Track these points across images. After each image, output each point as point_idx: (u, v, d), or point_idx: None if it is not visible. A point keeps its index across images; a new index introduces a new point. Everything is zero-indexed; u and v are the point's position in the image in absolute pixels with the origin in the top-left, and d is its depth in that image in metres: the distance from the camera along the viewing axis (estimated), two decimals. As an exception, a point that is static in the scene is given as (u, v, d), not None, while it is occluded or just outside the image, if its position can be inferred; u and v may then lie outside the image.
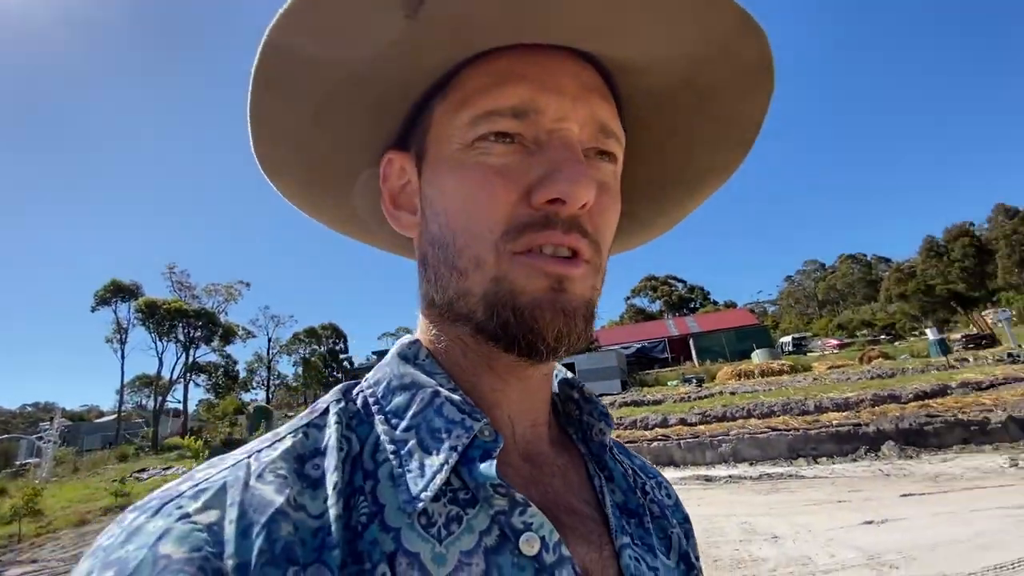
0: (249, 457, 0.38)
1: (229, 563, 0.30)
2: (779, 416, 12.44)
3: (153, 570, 0.29)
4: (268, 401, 52.04)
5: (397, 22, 0.38)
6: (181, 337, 38.23)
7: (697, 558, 0.54)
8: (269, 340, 56.85)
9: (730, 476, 9.80)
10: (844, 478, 8.66)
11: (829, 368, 20.01)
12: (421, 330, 0.49)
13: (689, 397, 17.16)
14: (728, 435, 11.63)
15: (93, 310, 37.44)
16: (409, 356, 0.46)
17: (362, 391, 0.46)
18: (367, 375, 0.48)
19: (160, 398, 37.22)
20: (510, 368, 0.44)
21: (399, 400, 0.43)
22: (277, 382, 60.83)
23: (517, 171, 0.41)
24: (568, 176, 0.39)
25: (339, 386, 0.46)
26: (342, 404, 0.44)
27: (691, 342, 35.11)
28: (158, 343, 37.56)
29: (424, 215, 0.47)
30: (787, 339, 38.63)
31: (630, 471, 0.55)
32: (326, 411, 0.43)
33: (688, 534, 0.56)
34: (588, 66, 0.44)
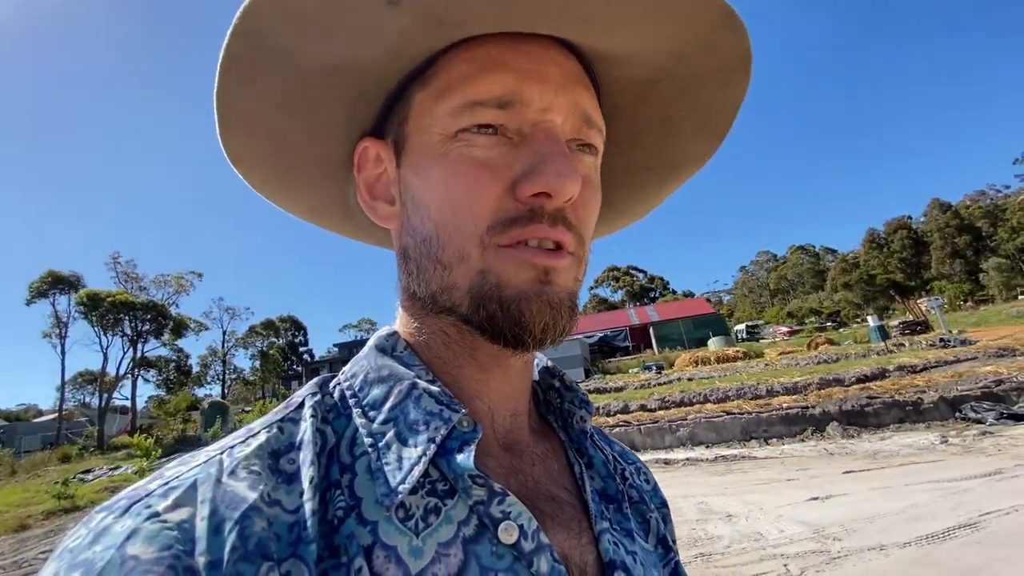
0: (222, 453, 0.37)
1: (201, 560, 0.29)
2: (733, 400, 12.95)
3: (121, 571, 0.28)
4: (224, 396, 50.32)
5: (379, 9, 0.37)
6: (128, 331, 36.07)
7: (674, 541, 0.56)
8: (224, 333, 54.98)
9: (688, 459, 10.12)
10: (793, 458, 9.10)
11: (780, 354, 20.91)
12: (401, 322, 0.48)
13: (649, 384, 17.63)
14: (686, 420, 12.01)
15: (28, 303, 34.92)
16: (387, 348, 0.46)
17: (339, 384, 0.45)
18: (344, 368, 0.47)
19: (106, 395, 35.04)
20: (493, 357, 0.44)
21: (376, 393, 0.43)
22: (233, 376, 58.84)
23: (502, 164, 0.40)
24: (555, 170, 0.39)
25: (315, 379, 0.45)
26: (318, 397, 0.43)
27: (651, 330, 35.92)
28: (102, 337, 35.36)
29: (405, 207, 0.46)
30: (741, 327, 40.22)
31: (610, 457, 0.55)
32: (301, 405, 0.42)
33: (666, 519, 0.58)
34: (571, 56, 0.44)
